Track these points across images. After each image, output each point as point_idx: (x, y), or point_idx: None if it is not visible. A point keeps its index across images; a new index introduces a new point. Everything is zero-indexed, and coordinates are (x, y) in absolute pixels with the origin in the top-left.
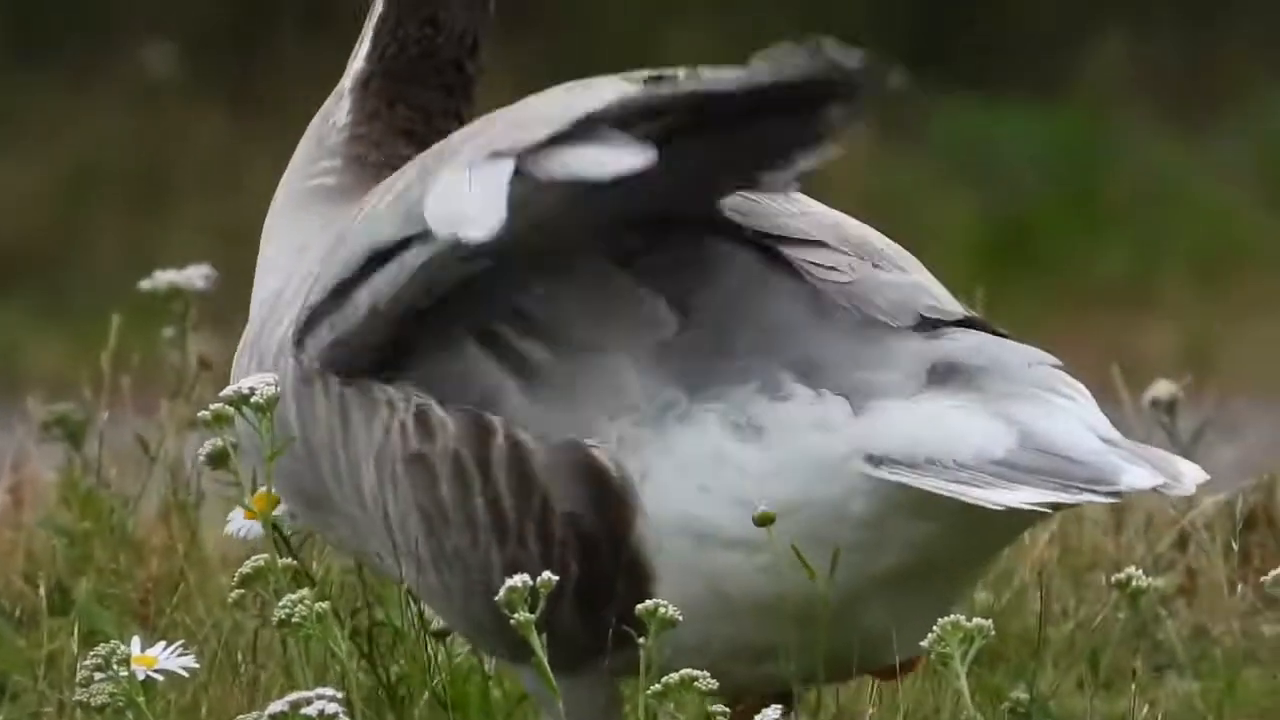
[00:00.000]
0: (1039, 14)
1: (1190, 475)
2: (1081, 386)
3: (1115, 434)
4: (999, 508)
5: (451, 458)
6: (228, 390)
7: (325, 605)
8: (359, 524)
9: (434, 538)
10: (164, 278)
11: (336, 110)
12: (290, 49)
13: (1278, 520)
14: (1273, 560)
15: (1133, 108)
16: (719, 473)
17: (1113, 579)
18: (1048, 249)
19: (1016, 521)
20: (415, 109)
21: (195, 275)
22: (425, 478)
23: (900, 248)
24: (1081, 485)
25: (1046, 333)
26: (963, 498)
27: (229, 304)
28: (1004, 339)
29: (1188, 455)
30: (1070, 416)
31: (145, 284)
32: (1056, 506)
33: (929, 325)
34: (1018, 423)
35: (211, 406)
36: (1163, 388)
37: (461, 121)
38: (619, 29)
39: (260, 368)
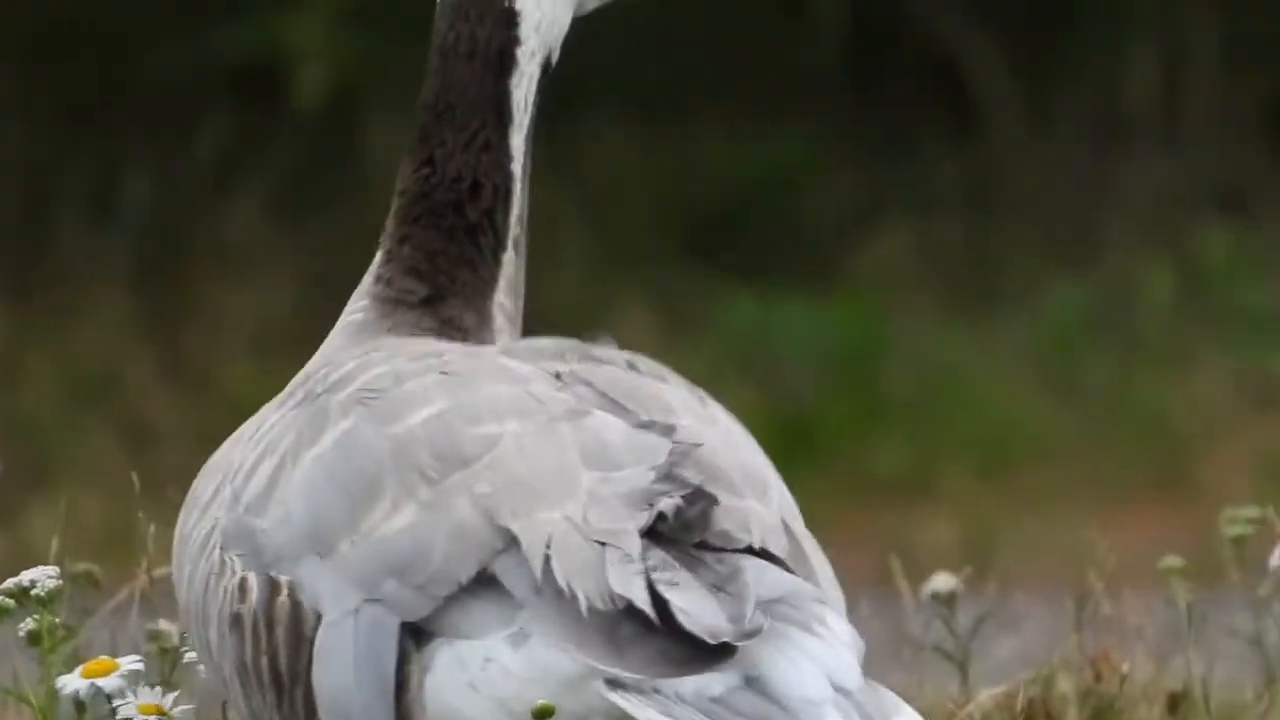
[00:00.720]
0: (818, 205)
1: None
2: (839, 624)
3: (852, 680)
4: None
5: (252, 615)
6: (8, 583)
7: None
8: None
9: (248, 698)
10: None
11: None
12: (70, 244)
13: (1055, 713)
14: None
15: (913, 299)
16: (487, 672)
17: None
18: (828, 441)
19: None
20: (418, 248)
21: None
22: (239, 637)
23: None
24: None
25: (827, 525)
26: None
27: (10, 495)
28: (778, 568)
29: (966, 648)
30: (808, 659)
31: None
32: None
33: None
34: (748, 662)
35: None
36: (942, 580)
37: (474, 268)
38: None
39: (187, 524)
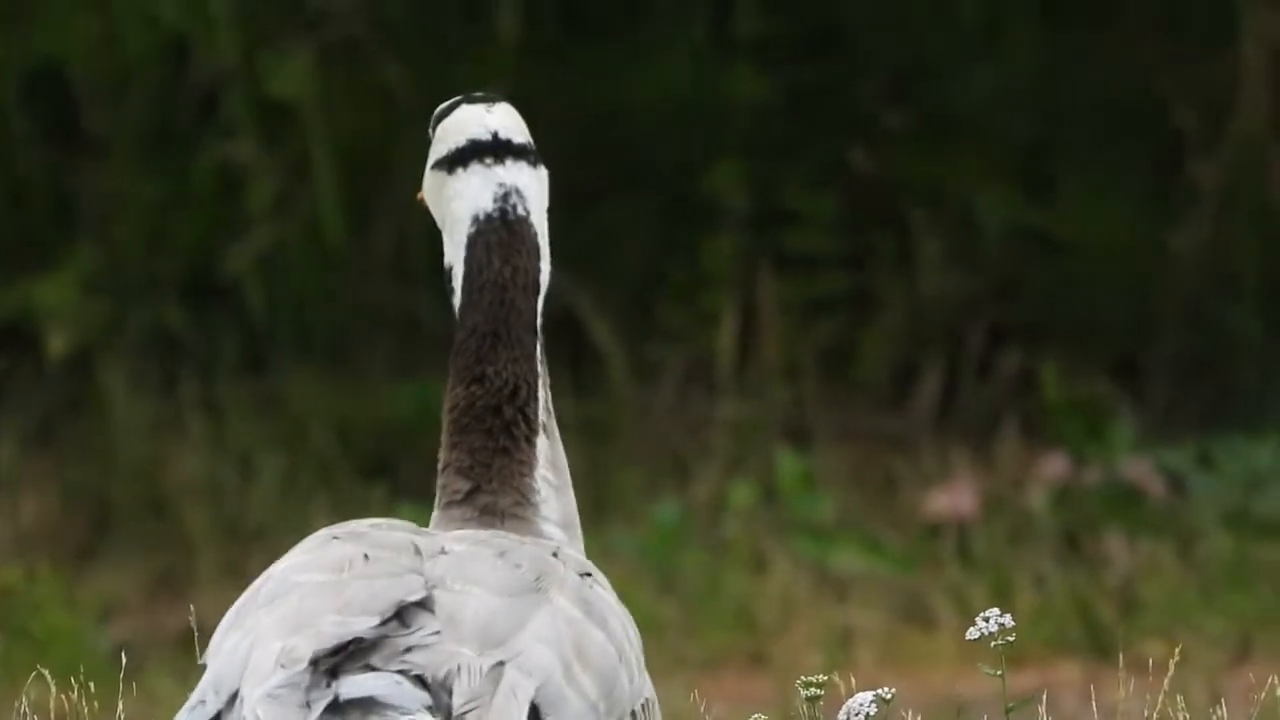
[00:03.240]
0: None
1: None
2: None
3: None
4: None
5: None
6: None
7: None
8: None
9: None
10: None
11: None
12: None
13: None
14: None
15: None
16: None
17: None
18: None
19: None
20: (464, 452)
21: None
22: None
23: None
24: None
25: None
26: None
27: None
28: (401, 682)
29: None
30: None
31: None
32: None
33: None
34: None
35: None
36: None
37: (509, 455)
38: (115, 451)
39: None
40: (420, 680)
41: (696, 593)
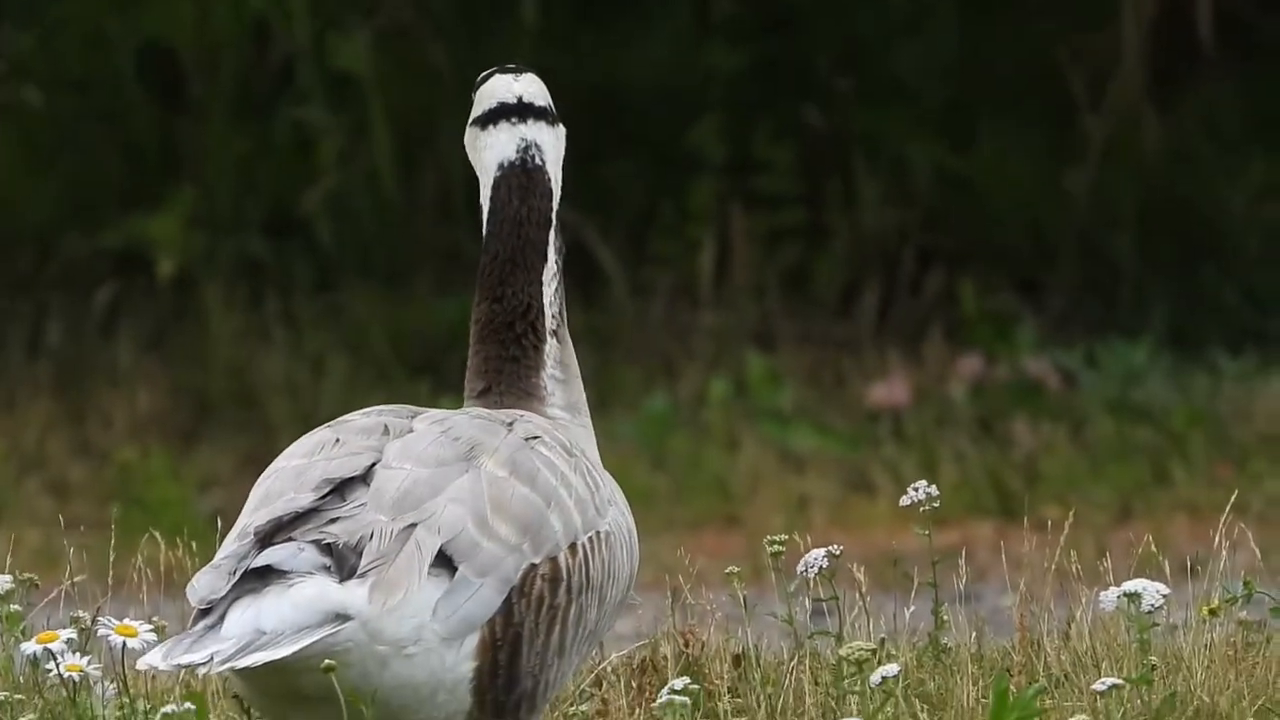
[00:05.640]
0: None
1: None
2: (305, 589)
3: (272, 623)
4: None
5: None
6: None
7: None
8: None
9: None
10: None
11: None
12: (14, 367)
13: (660, 669)
14: (657, 692)
15: None
16: None
17: None
18: None
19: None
20: (482, 357)
21: None
22: None
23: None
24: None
25: None
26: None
27: None
28: (302, 550)
29: None
30: (252, 610)
31: None
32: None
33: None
34: (223, 613)
35: None
36: None
37: (517, 362)
38: (214, 355)
39: None
40: (327, 548)
41: (682, 468)
